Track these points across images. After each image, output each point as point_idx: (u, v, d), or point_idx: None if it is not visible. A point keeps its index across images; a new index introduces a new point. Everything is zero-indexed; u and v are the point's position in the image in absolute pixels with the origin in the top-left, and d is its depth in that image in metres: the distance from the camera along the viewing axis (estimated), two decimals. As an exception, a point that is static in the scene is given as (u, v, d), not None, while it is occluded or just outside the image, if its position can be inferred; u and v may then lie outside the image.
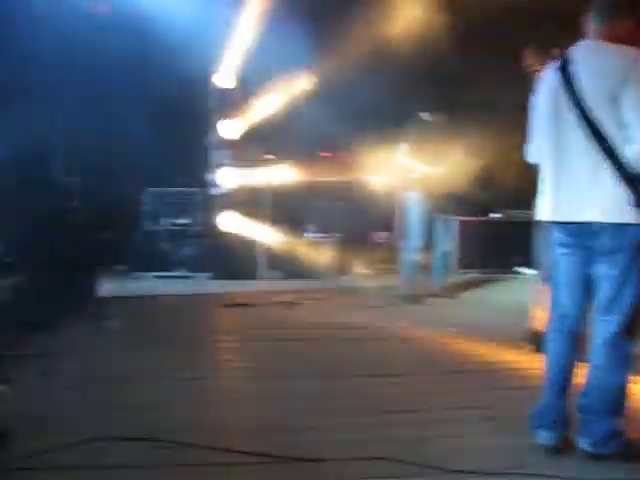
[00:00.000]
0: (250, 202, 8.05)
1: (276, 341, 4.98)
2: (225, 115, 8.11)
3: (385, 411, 3.45)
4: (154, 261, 7.69)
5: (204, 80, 8.10)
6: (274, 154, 8.40)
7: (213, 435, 3.07)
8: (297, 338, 5.04)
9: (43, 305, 5.13)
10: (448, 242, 6.73)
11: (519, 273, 7.83)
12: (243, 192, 8.06)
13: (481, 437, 3.06)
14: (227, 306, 6.15)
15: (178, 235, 7.85)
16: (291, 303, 6.23)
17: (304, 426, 3.21)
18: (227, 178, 8.04)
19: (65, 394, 3.75)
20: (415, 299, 6.39)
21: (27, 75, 6.49)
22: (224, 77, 8.05)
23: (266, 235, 7.79)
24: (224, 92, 8.07)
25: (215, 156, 8.15)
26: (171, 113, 7.77)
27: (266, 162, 8.28)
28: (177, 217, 7.86)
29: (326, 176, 8.35)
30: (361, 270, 7.82)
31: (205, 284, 7.50)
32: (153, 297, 6.50)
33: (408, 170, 6.31)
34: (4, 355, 4.21)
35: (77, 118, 6.92)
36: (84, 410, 3.48)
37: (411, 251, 6.39)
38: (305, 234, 7.92)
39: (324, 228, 7.97)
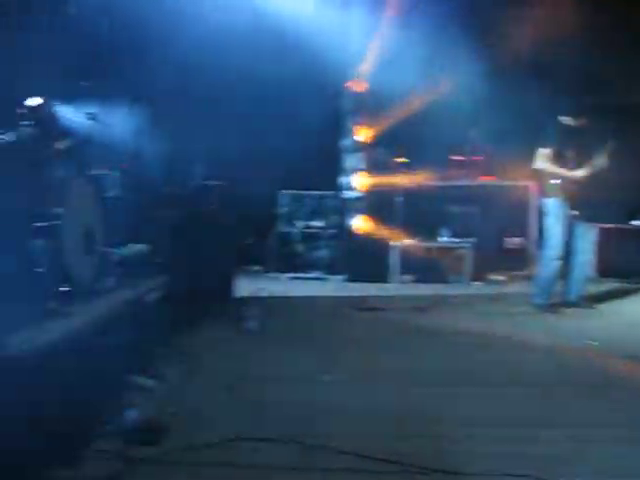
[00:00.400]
0: (383, 205, 8.14)
1: (412, 347, 5.05)
2: (359, 119, 8.22)
3: (523, 424, 3.43)
4: (289, 263, 7.93)
5: (339, 83, 8.28)
6: (407, 158, 8.45)
7: (356, 440, 3.17)
8: (434, 344, 5.08)
9: (187, 305, 5.44)
10: (588, 250, 6.50)
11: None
12: (376, 195, 8.14)
13: (631, 459, 2.97)
14: (362, 309, 6.26)
15: (312, 237, 8.05)
16: (424, 308, 6.24)
17: (447, 435, 3.25)
18: (360, 181, 8.15)
19: (213, 393, 3.99)
20: (552, 308, 6.23)
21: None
22: (359, 81, 8.15)
23: (399, 239, 7.84)
24: (358, 96, 8.15)
25: (349, 160, 8.28)
26: (306, 116, 7.96)
27: (399, 166, 8.34)
28: (311, 219, 8.05)
29: (460, 180, 8.32)
30: (495, 276, 7.72)
31: (339, 286, 7.64)
32: (289, 298, 6.68)
33: (548, 175, 6.15)
34: (154, 352, 4.51)
35: (217, 121, 7.21)
36: (231, 409, 3.70)
37: (549, 259, 6.24)
38: (439, 238, 7.88)
39: (458, 233, 7.91)
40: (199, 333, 5.26)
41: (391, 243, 7.87)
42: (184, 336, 5.01)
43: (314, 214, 8.07)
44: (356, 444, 3.07)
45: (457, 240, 7.82)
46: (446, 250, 7.78)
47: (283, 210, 8.05)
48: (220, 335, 5.31)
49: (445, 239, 7.85)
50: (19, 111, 4.05)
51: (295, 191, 8.10)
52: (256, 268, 8.01)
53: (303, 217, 8.05)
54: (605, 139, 6.17)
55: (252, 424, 3.41)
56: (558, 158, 6.10)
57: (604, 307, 6.48)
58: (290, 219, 8.05)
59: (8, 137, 3.91)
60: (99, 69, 5.51)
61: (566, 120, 6.21)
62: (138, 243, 5.22)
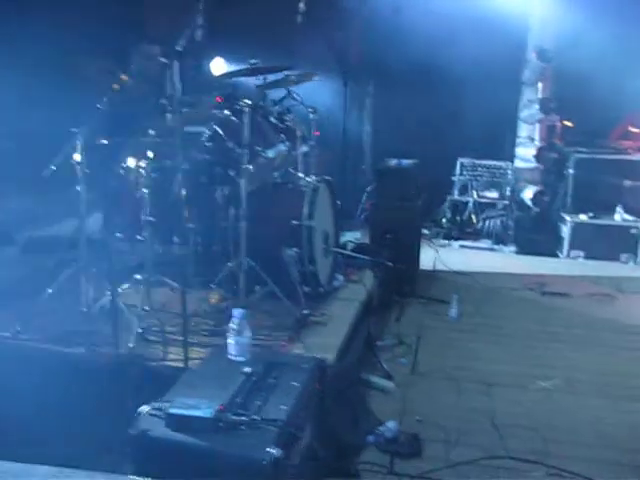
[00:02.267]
0: (555, 177, 8.15)
1: (609, 343, 5.22)
2: (536, 89, 8.16)
3: None
4: (460, 230, 8.14)
5: (518, 52, 8.21)
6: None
7: (587, 461, 3.46)
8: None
9: (393, 288, 5.78)
10: None
11: None
12: (548, 167, 8.15)
13: None
14: (545, 294, 6.44)
15: (485, 207, 8.20)
16: (612, 296, 6.34)
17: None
18: (532, 152, 8.16)
19: (440, 396, 4.34)
20: None
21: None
22: (537, 51, 8.03)
23: (571, 212, 7.86)
24: (538, 66, 8.05)
25: (524, 130, 8.29)
26: (483, 83, 7.99)
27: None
28: (485, 189, 8.18)
29: (636, 154, 8.16)
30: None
31: (510, 259, 7.81)
32: (467, 275, 6.87)
33: None
34: (377, 347, 4.85)
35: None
36: (462, 416, 4.04)
37: None
38: (613, 215, 7.84)
39: (633, 210, 7.83)
40: (403, 318, 5.60)
41: (563, 216, 7.91)
42: (394, 325, 5.39)
43: (488, 184, 8.17)
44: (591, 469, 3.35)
45: (631, 218, 7.75)
46: (619, 228, 7.75)
47: (458, 178, 8.20)
48: (424, 322, 5.57)
49: (619, 216, 7.79)
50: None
51: (471, 159, 8.19)
52: (426, 232, 8.19)
53: (477, 186, 8.18)
54: None
55: (485, 436, 3.74)
56: None
57: None
58: (465, 187, 8.20)
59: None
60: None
61: None
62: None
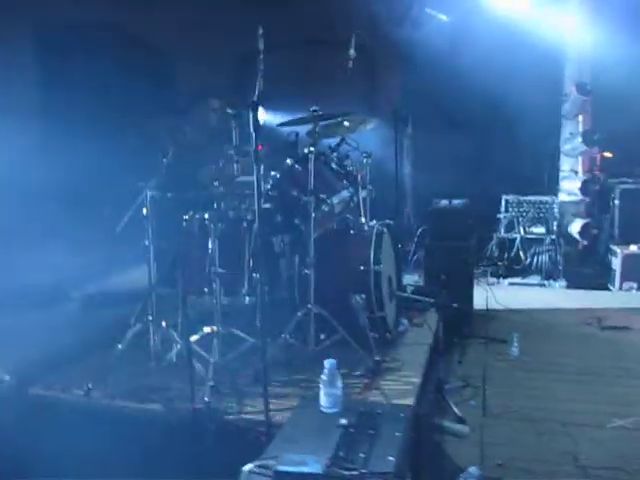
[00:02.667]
0: (601, 209, 8.10)
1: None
2: (577, 122, 8.15)
3: None
4: (508, 268, 8.07)
5: (557, 86, 8.23)
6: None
7: None
8: None
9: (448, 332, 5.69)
10: None
11: None
12: (594, 199, 8.09)
13: None
14: (604, 329, 6.32)
15: (532, 242, 8.14)
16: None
17: None
18: (577, 185, 8.10)
19: (518, 437, 4.23)
20: None
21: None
22: (576, 84, 8.03)
23: (620, 244, 7.77)
24: (578, 99, 8.05)
25: (567, 163, 8.25)
26: (525, 119, 8.01)
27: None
28: (532, 225, 8.12)
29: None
30: None
31: (561, 294, 7.71)
32: (521, 312, 6.80)
33: None
34: (446, 391, 4.78)
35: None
36: (546, 458, 3.94)
37: None
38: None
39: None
40: (465, 359, 5.52)
41: (612, 248, 7.82)
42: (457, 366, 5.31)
43: (534, 219, 8.12)
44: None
45: (683, 247, 7.65)
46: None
47: (504, 215, 8.15)
48: (487, 362, 5.48)
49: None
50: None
51: (516, 196, 8.15)
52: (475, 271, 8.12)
53: (523, 222, 8.12)
54: None
55: (572, 478, 3.64)
56: None
57: None
58: (511, 224, 8.15)
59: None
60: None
61: None
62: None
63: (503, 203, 8.18)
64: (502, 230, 8.17)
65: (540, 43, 7.69)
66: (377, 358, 4.08)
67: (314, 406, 2.88)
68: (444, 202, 6.40)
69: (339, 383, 2.92)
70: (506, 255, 8.15)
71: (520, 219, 8.14)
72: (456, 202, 6.40)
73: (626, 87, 7.73)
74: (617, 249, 7.74)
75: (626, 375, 5.18)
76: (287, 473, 2.31)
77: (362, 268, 4.21)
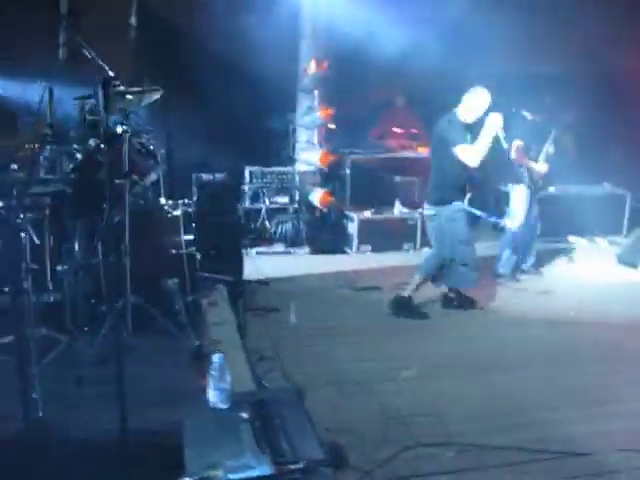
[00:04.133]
0: (336, 178, 8.70)
1: (439, 331, 5.80)
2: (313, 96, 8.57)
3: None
4: (255, 238, 8.28)
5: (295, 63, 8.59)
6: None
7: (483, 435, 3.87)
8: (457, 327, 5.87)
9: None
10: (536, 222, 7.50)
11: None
12: (329, 169, 8.63)
13: None
14: (358, 290, 6.85)
15: (277, 212, 8.44)
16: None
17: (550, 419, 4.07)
18: (315, 156, 8.57)
19: (327, 399, 4.44)
20: (513, 276, 7.29)
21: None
22: (320, 61, 8.42)
23: (355, 210, 8.43)
24: (315, 74, 8.42)
25: (303, 134, 8.68)
26: (264, 93, 8.25)
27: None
28: (275, 195, 8.41)
29: (402, 152, 9.06)
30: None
31: (308, 259, 8.15)
32: (281, 280, 7.05)
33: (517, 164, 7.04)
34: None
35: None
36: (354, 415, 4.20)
37: (512, 235, 7.21)
38: (394, 209, 8.54)
39: (406, 203, 8.62)
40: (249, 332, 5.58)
41: (348, 214, 8.46)
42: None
43: (278, 190, 8.41)
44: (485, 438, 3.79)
45: (407, 211, 8.54)
46: (399, 220, 8.50)
47: (248, 186, 8.31)
48: (271, 333, 5.57)
49: (397, 210, 8.54)
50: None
51: (259, 167, 8.35)
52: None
53: (268, 193, 8.37)
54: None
55: (402, 432, 3.97)
56: (525, 149, 7.01)
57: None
58: (256, 195, 8.35)
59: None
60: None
61: (527, 114, 7.11)
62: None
63: (247, 174, 8.33)
64: (247, 201, 8.33)
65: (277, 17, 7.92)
66: (197, 343, 3.99)
67: (203, 405, 2.75)
68: (207, 176, 6.35)
69: (228, 377, 2.82)
70: (253, 225, 8.34)
71: (265, 190, 8.38)
72: (219, 176, 6.40)
73: (354, 62, 8.37)
74: (354, 215, 8.39)
75: (394, 332, 5.72)
76: (241, 481, 2.19)
77: (174, 252, 4.06)
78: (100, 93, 3.83)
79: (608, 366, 5.01)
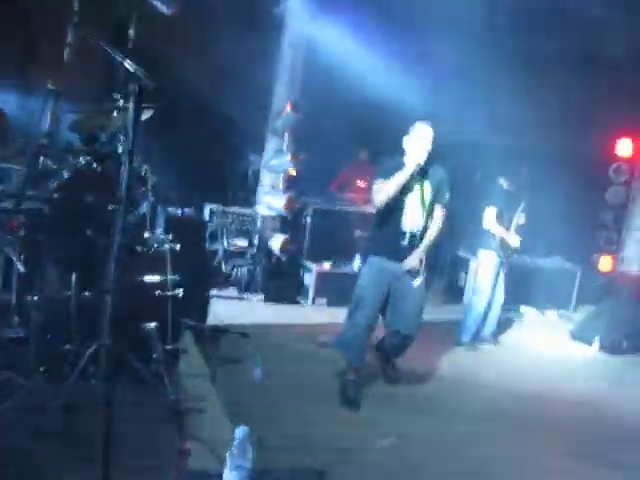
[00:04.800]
0: (297, 226, 8.38)
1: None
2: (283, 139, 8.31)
3: None
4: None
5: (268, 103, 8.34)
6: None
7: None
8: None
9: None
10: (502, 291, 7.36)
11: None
12: (292, 215, 8.33)
13: None
14: (320, 345, 6.47)
15: (235, 255, 8.03)
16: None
17: None
18: (278, 200, 8.25)
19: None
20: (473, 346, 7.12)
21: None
22: (292, 103, 8.18)
23: (314, 261, 8.12)
24: (289, 116, 8.15)
25: (267, 177, 8.36)
26: (234, 130, 7.95)
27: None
28: (235, 237, 8.02)
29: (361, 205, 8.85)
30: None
31: (263, 307, 7.75)
32: (240, 328, 6.59)
33: (489, 231, 6.90)
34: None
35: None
36: None
37: (478, 304, 7.05)
38: (352, 263, 8.25)
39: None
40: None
41: (306, 264, 8.13)
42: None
43: (238, 231, 8.02)
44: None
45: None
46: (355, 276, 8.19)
47: (208, 225, 7.88)
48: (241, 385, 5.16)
49: (357, 265, 8.24)
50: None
51: (220, 206, 7.96)
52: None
53: (226, 234, 7.97)
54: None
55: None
56: (499, 217, 6.89)
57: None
58: (214, 234, 7.92)
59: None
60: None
61: (504, 183, 7.02)
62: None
63: (207, 212, 7.91)
64: (208, 241, 7.90)
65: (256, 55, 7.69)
66: (173, 397, 3.55)
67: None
68: (176, 211, 5.94)
69: (250, 454, 2.39)
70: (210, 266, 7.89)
71: (224, 230, 7.97)
72: (187, 211, 6.00)
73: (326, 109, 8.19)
74: (312, 266, 8.07)
75: (366, 398, 5.35)
76: None
77: (158, 293, 3.63)
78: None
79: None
